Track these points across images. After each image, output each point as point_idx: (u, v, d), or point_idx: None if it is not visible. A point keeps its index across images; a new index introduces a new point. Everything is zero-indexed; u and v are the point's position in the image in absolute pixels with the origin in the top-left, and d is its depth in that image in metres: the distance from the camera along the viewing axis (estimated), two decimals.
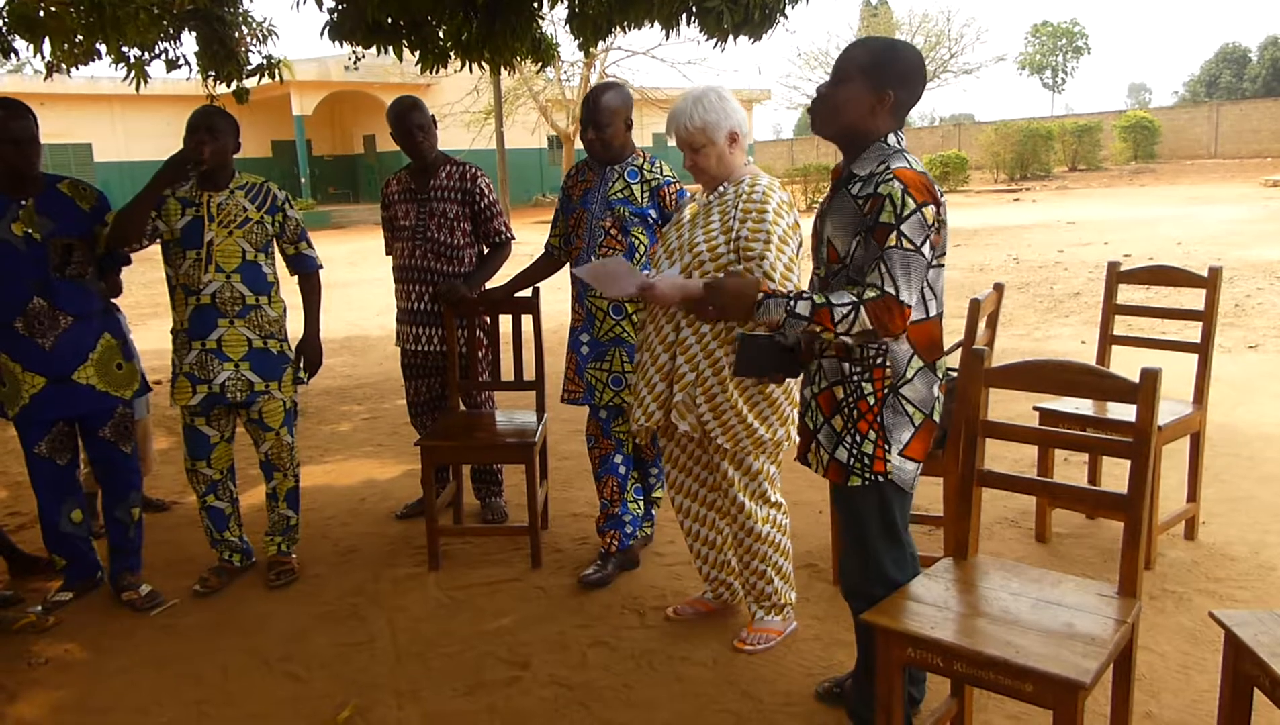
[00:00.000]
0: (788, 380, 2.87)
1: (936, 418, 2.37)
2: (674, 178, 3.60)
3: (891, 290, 2.17)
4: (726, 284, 2.35)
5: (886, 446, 2.31)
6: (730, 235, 2.88)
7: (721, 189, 2.98)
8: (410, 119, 4.07)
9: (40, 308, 3.38)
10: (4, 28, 5.94)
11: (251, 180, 3.66)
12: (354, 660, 3.17)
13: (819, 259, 2.43)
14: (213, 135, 3.51)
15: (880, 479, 2.33)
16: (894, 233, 2.17)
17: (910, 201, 2.18)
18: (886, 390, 2.31)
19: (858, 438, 2.33)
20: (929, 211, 2.20)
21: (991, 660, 2.01)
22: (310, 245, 3.81)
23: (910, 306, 2.19)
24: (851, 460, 2.34)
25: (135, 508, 3.70)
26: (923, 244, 2.19)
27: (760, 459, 3.01)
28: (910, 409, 2.32)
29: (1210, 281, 3.65)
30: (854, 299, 2.19)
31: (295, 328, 3.70)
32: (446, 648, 3.22)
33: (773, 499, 3.06)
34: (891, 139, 2.33)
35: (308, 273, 3.81)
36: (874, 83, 2.30)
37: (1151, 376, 2.18)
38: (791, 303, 2.24)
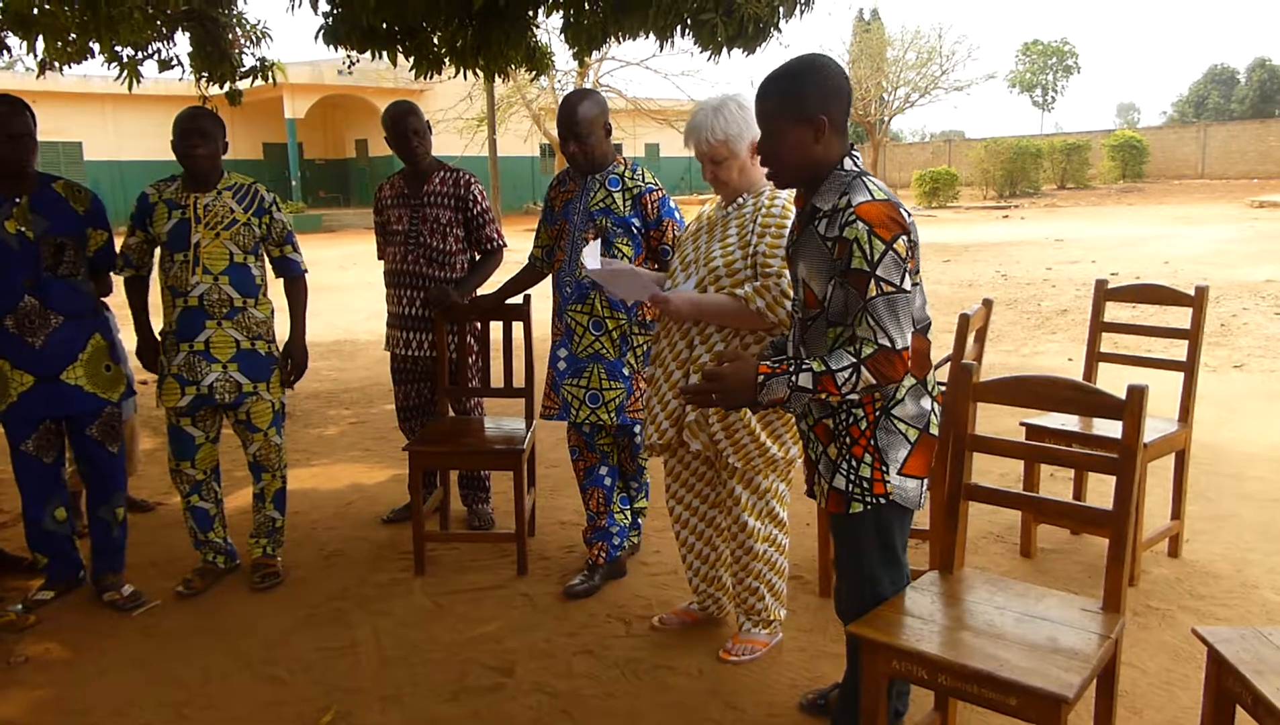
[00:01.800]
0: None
1: (934, 431, 2.33)
2: (656, 185, 3.56)
3: (886, 342, 2.11)
4: (725, 372, 2.25)
5: (884, 467, 2.26)
6: (748, 249, 2.83)
7: (740, 200, 2.93)
8: (406, 123, 4.07)
9: (31, 306, 3.37)
10: None
11: (240, 181, 3.65)
12: (337, 664, 3.16)
13: (796, 300, 2.38)
14: (204, 138, 3.51)
15: (881, 501, 2.28)
16: (871, 281, 2.11)
17: (878, 242, 2.11)
18: (878, 413, 2.26)
19: (854, 463, 2.28)
20: (900, 245, 2.13)
21: (976, 673, 2.02)
22: (296, 249, 3.80)
23: (908, 348, 2.14)
24: (850, 486, 2.28)
25: (119, 507, 3.68)
26: (902, 280, 2.13)
27: (771, 478, 2.98)
28: (903, 427, 2.27)
29: (1197, 300, 3.68)
30: (853, 359, 2.13)
31: (282, 330, 3.69)
32: (431, 653, 3.21)
33: (779, 517, 3.05)
34: (848, 163, 2.25)
35: (293, 277, 3.80)
36: (801, 117, 2.21)
37: (1138, 393, 2.20)
38: (793, 377, 2.17)
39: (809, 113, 2.21)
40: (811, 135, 2.23)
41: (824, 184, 2.26)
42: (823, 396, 2.17)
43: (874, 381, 2.13)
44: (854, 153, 2.28)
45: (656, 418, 3.05)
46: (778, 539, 3.06)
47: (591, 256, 3.04)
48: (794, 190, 2.88)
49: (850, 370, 2.13)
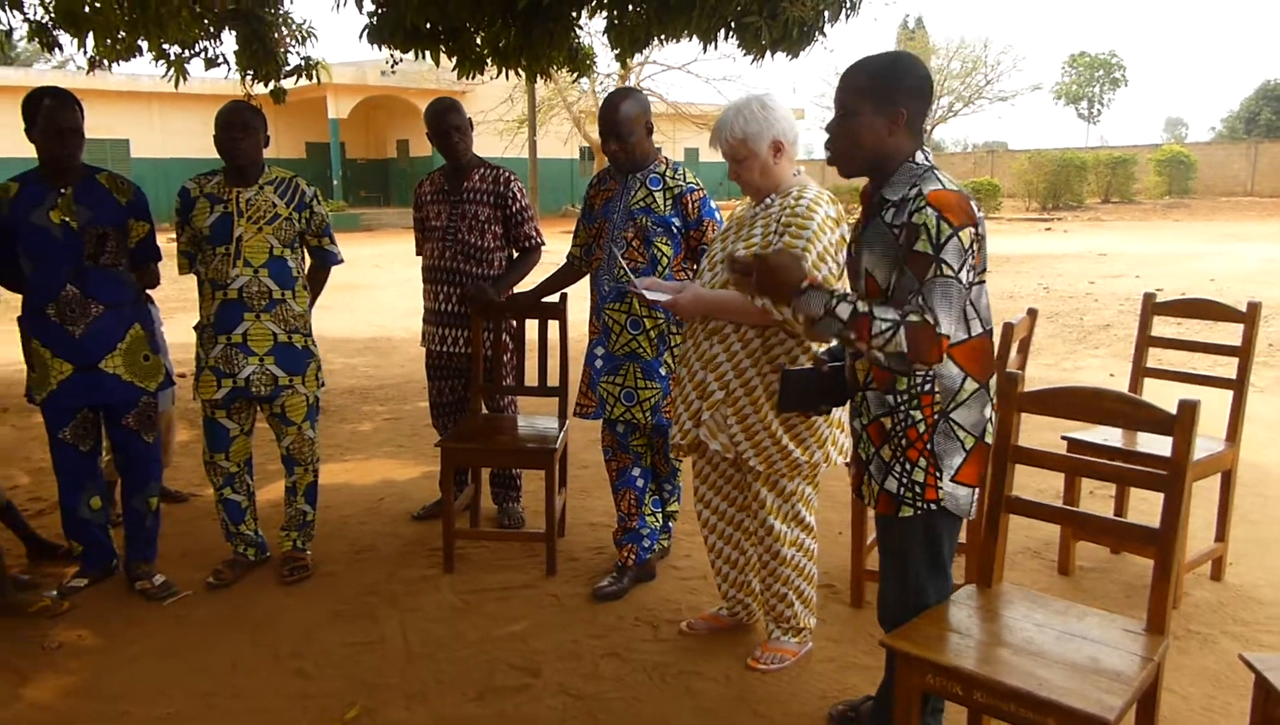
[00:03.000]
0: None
1: (989, 440, 2.28)
2: (697, 185, 3.54)
3: (931, 320, 2.08)
4: (773, 259, 2.23)
5: (938, 473, 2.22)
6: (770, 248, 2.80)
7: (768, 201, 2.91)
8: (447, 119, 4.08)
9: (73, 295, 3.41)
10: (50, 22, 6.04)
11: (281, 175, 3.67)
12: (364, 660, 3.15)
13: (857, 291, 2.33)
14: (245, 130, 3.53)
15: (933, 507, 2.24)
16: (933, 263, 2.08)
17: (946, 227, 2.09)
18: (937, 416, 2.22)
19: (908, 466, 2.24)
20: (965, 234, 2.11)
21: (1013, 691, 1.97)
22: (333, 241, 3.83)
23: (948, 337, 2.10)
24: (902, 490, 2.25)
25: (154, 497, 3.71)
26: (961, 269, 2.10)
27: (797, 481, 2.94)
28: (961, 433, 2.23)
29: (1249, 317, 3.59)
30: (897, 317, 2.09)
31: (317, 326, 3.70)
32: (457, 651, 3.20)
33: (806, 521, 3.00)
34: (919, 156, 2.24)
35: (325, 266, 3.84)
36: (883, 104, 2.22)
37: (1190, 408, 2.14)
38: (833, 301, 2.14)
39: (891, 103, 2.21)
40: (887, 125, 2.22)
41: (895, 175, 2.25)
42: (851, 337, 2.12)
43: (905, 350, 2.08)
44: (925, 149, 2.27)
45: (679, 417, 3.03)
46: (806, 544, 3.02)
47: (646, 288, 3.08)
48: (826, 191, 2.88)
49: (890, 327, 2.09)
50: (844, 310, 2.13)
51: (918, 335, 2.08)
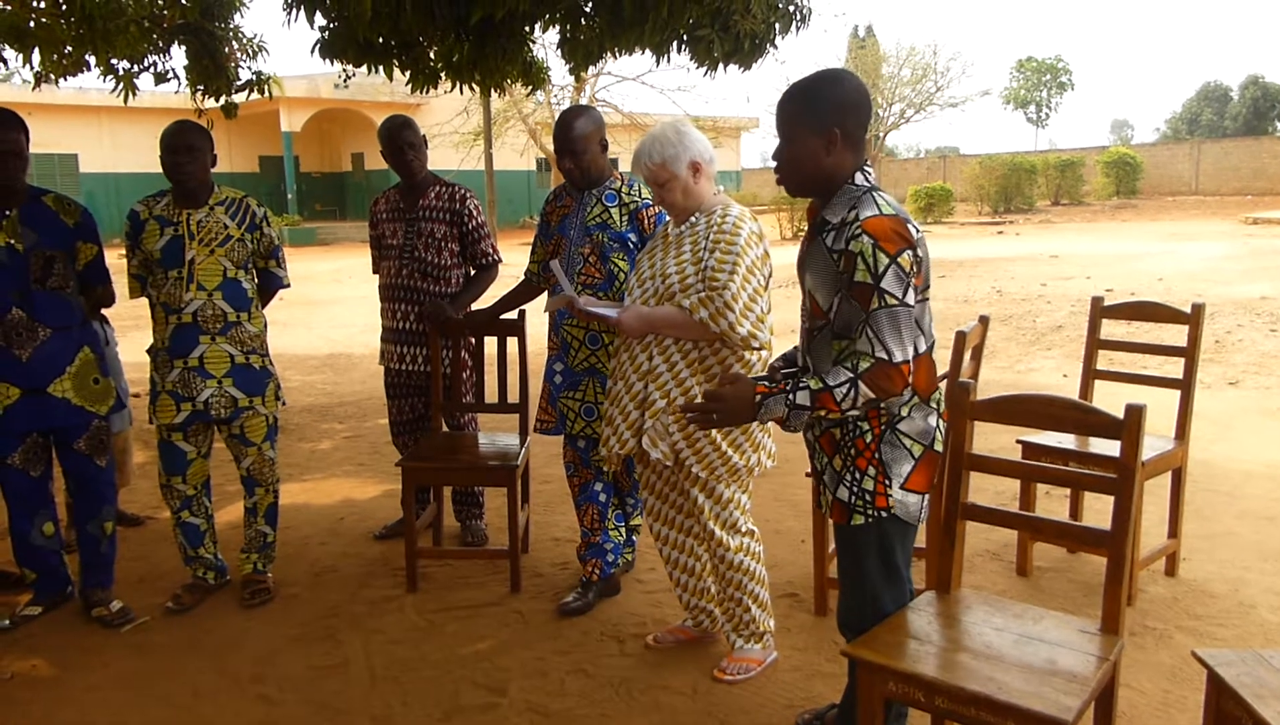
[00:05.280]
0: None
1: (938, 447, 2.33)
2: (652, 200, 3.57)
3: (884, 355, 2.12)
4: (725, 393, 2.28)
5: (887, 481, 2.27)
6: (700, 265, 2.91)
7: (693, 219, 3.01)
8: (401, 136, 4.07)
9: (19, 319, 3.35)
10: None
11: (231, 195, 3.63)
12: (327, 683, 3.12)
13: (804, 309, 2.39)
14: (190, 153, 3.49)
15: (883, 514, 2.28)
16: (874, 293, 2.12)
17: (883, 256, 2.12)
18: (884, 427, 2.27)
19: (857, 475, 2.28)
20: (904, 259, 2.14)
21: (974, 696, 2.00)
22: (280, 263, 3.79)
23: (907, 363, 2.14)
24: (853, 498, 2.29)
25: (109, 522, 3.65)
26: (905, 293, 2.14)
27: (731, 488, 3.01)
28: (909, 443, 2.28)
29: (1193, 318, 3.68)
30: (850, 374, 2.14)
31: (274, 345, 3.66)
32: (422, 672, 3.18)
33: (744, 528, 3.06)
34: (859, 178, 2.27)
35: (272, 290, 3.81)
36: (815, 126, 2.24)
37: (1136, 413, 2.19)
38: (791, 396, 2.18)
39: (822, 124, 2.24)
40: (823, 146, 2.25)
41: (835, 197, 2.29)
42: (822, 413, 2.18)
43: (872, 396, 2.15)
44: (866, 168, 2.30)
45: (617, 427, 3.08)
46: (750, 547, 3.07)
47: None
48: (748, 210, 2.99)
49: (848, 386, 2.14)
50: (803, 398, 2.17)
51: (876, 377, 2.13)
